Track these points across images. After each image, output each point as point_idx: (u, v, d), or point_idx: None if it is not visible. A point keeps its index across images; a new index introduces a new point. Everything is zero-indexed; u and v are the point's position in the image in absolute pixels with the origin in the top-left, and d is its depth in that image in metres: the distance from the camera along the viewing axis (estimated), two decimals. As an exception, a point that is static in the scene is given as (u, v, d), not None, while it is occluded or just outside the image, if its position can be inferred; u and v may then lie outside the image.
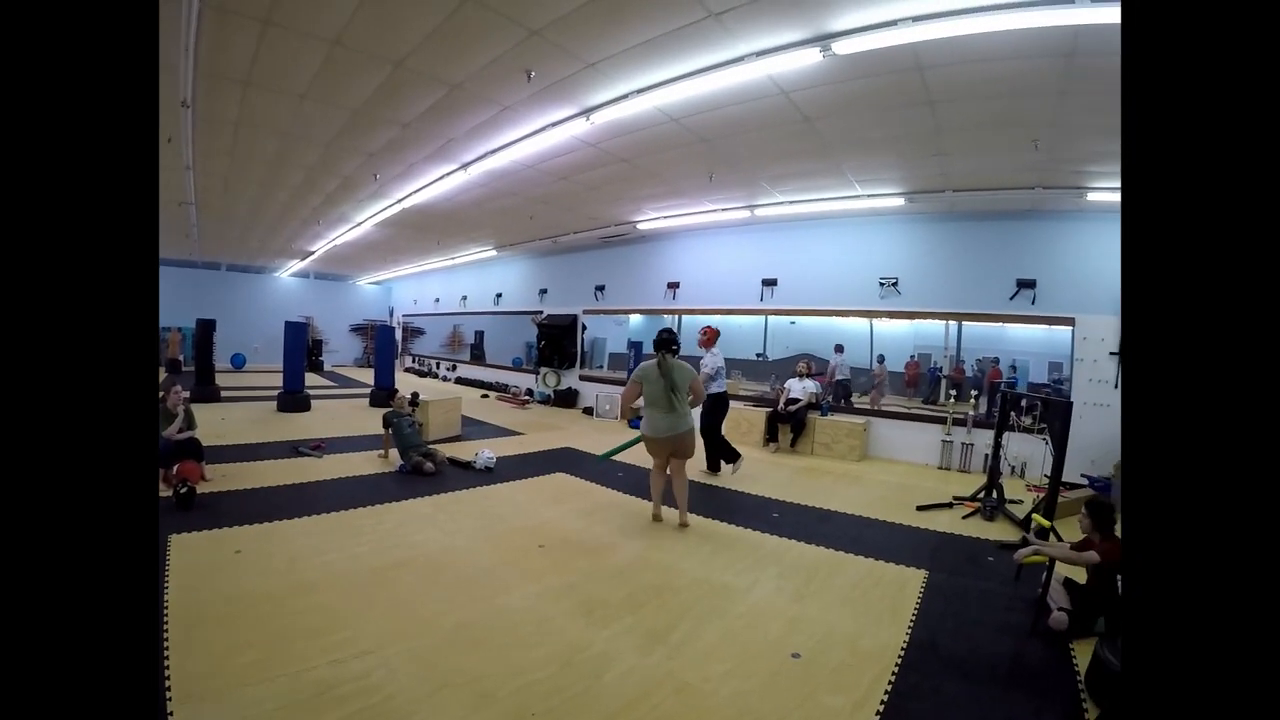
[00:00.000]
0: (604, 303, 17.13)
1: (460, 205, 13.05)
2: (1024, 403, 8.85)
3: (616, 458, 8.71)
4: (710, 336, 9.29)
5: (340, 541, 5.49)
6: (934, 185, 9.63)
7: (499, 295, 21.72)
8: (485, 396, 19.17)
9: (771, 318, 14.04)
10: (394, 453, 8.65)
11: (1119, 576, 4.45)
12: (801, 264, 12.85)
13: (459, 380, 23.43)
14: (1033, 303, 10.17)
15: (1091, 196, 8.96)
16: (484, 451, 8.84)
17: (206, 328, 15.18)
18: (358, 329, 30.95)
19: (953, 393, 11.31)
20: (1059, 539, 5.88)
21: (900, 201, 10.36)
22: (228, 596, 4.22)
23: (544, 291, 19.30)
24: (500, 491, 7.60)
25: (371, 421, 9.99)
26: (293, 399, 13.85)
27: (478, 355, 24.31)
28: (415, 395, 10.84)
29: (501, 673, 3.43)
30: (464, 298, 24.01)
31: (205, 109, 7.84)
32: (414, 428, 8.94)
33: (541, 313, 18.96)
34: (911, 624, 4.39)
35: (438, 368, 26.30)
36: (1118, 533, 4.62)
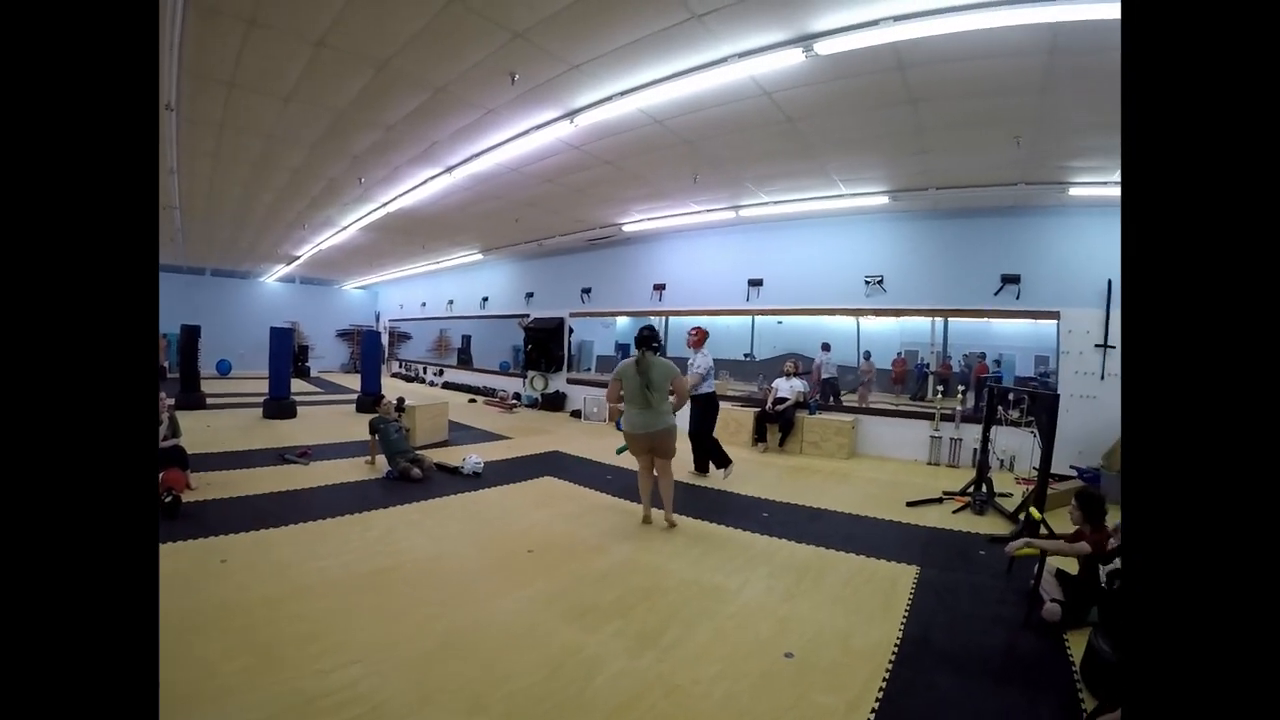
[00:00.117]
0: (590, 305, 17.10)
1: (445, 209, 13.01)
2: (1011, 396, 8.88)
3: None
4: (700, 337, 9.28)
5: (327, 549, 5.45)
6: (917, 183, 9.66)
7: (485, 299, 21.66)
8: (473, 401, 19.12)
9: (759, 318, 14.07)
10: (381, 459, 8.61)
11: (1101, 566, 4.49)
12: (787, 264, 12.87)
13: (446, 385, 23.33)
14: (1017, 297, 10.23)
15: (1074, 191, 9.02)
16: (471, 456, 8.79)
17: (191, 334, 15.09)
18: (344, 334, 30.82)
19: (940, 388, 11.34)
20: (1049, 531, 5.91)
21: (884, 200, 10.39)
22: (214, 606, 4.17)
23: (530, 295, 19.26)
24: (488, 496, 7.57)
25: (358, 427, 9.96)
26: (279, 406, 13.74)
27: (464, 359, 24.29)
28: (401, 400, 10.79)
29: (491, 679, 3.40)
30: (450, 302, 23.93)
31: (189, 110, 7.79)
32: (400, 433, 8.89)
33: (528, 316, 18.93)
34: (904, 620, 4.39)
35: (424, 372, 26.21)
36: (1108, 523, 4.65)
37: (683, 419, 8.36)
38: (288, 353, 15.07)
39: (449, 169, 10.05)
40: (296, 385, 17.24)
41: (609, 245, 16.07)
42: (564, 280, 17.80)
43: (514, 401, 18.18)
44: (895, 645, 4.00)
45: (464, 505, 7.15)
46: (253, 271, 26.64)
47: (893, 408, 12.41)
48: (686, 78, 6.35)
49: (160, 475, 6.47)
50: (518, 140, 8.49)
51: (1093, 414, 9.21)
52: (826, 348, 13.18)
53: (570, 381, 17.54)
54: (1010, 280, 10.25)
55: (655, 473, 6.50)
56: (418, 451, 8.86)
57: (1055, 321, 10.01)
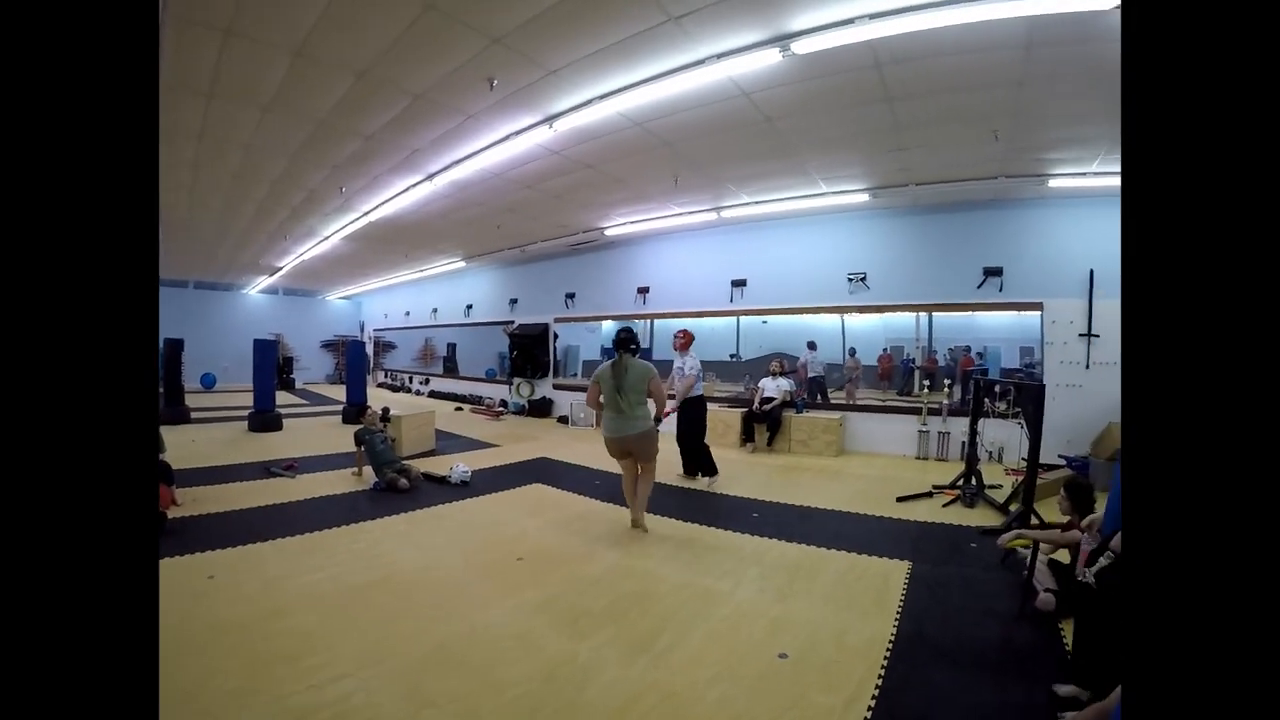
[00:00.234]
0: (575, 310, 17.08)
1: (427, 216, 12.98)
2: (997, 388, 8.90)
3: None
4: (686, 340, 9.17)
5: (316, 563, 5.41)
6: (897, 180, 9.70)
7: (469, 306, 21.61)
8: (459, 409, 19.06)
9: (744, 318, 14.08)
10: (368, 470, 8.54)
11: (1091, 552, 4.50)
12: (770, 263, 12.90)
13: (432, 394, 23.27)
14: (1000, 290, 10.30)
15: (1053, 183, 9.10)
16: (459, 465, 8.75)
17: (174, 347, 15.00)
18: (329, 345, 30.64)
19: (926, 383, 11.36)
20: (1040, 521, 5.93)
21: (865, 197, 10.43)
22: (203, 623, 4.13)
23: (514, 301, 19.22)
24: (477, 505, 7.53)
25: (345, 439, 9.90)
26: (264, 418, 13.66)
27: (450, 368, 24.22)
28: (386, 410, 10.72)
29: (483, 690, 3.38)
30: (434, 310, 23.86)
31: (168, 121, 7.70)
32: (386, 444, 8.84)
33: (513, 322, 18.89)
34: (898, 616, 4.39)
35: (410, 382, 26.11)
36: (1097, 511, 4.66)
37: (674, 422, 8.39)
38: (272, 365, 14.98)
39: (430, 176, 10.03)
40: (282, 397, 17.22)
41: (592, 249, 16.05)
42: (548, 286, 17.77)
43: (501, 409, 18.14)
44: (890, 641, 3.99)
45: (452, 515, 7.11)
46: (236, 284, 26.48)
47: (880, 403, 12.45)
48: (665, 80, 6.35)
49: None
50: (498, 146, 8.47)
51: (1079, 402, 9.26)
52: (813, 346, 13.21)
53: (556, 387, 17.50)
54: (992, 273, 10.31)
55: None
56: (405, 462, 8.83)
57: (1039, 312, 10.07)
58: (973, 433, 7.94)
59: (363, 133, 8.30)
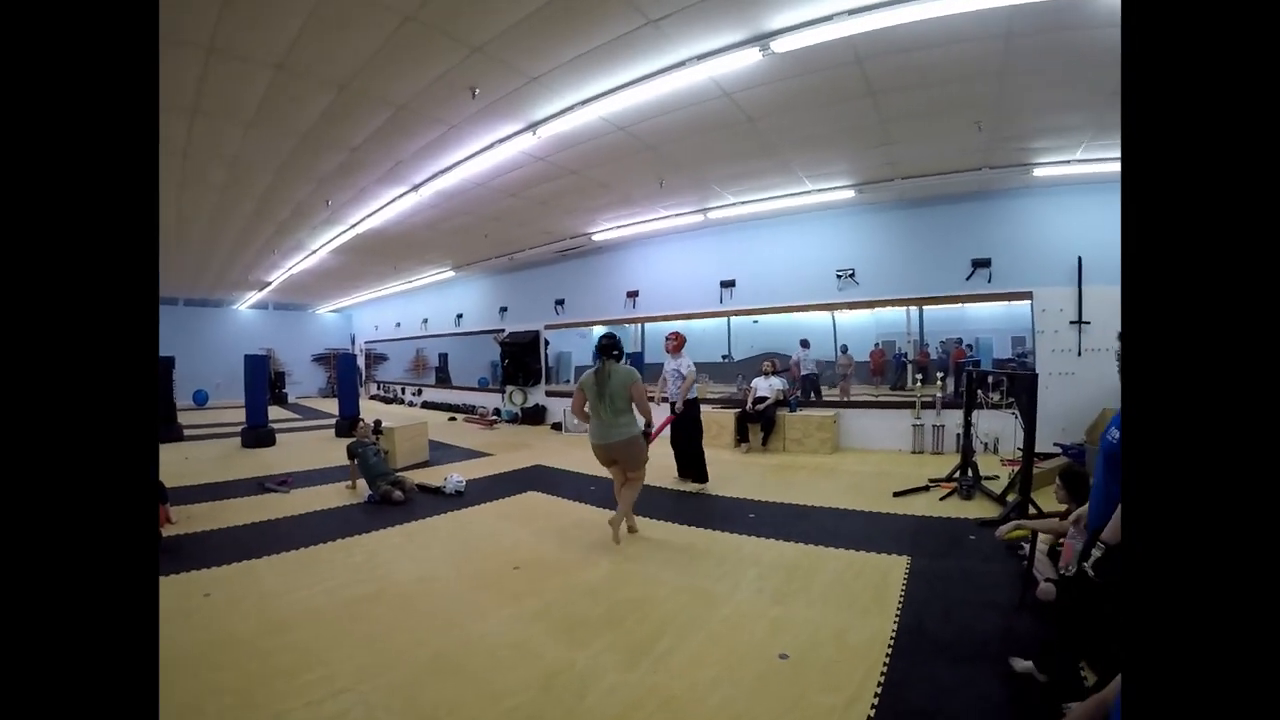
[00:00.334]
0: (565, 316, 17.10)
1: (414, 227, 12.96)
2: (990, 379, 8.91)
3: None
4: (678, 343, 9.16)
5: (311, 577, 5.38)
6: (882, 175, 9.73)
7: (460, 316, 21.60)
8: (452, 419, 19.05)
9: (735, 319, 14.08)
10: (362, 483, 8.51)
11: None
12: (758, 263, 12.92)
13: (425, 404, 23.24)
14: (989, 281, 10.34)
15: (1038, 172, 9.15)
16: (453, 476, 8.73)
17: (165, 365, 15.00)
18: (320, 359, 30.60)
19: (919, 377, 11.37)
20: (1038, 510, 5.93)
21: (850, 193, 10.46)
22: (199, 641, 4.11)
23: (504, 309, 19.22)
24: (472, 515, 7.51)
25: (338, 452, 9.88)
26: (257, 434, 13.66)
27: (443, 378, 24.18)
28: (378, 423, 10.66)
29: (483, 699, 3.36)
30: (425, 321, 23.84)
31: (153, 139, 7.66)
32: (379, 456, 8.80)
33: (503, 331, 18.88)
34: (898, 612, 4.38)
35: (403, 393, 26.07)
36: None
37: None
38: (263, 380, 14.99)
39: (415, 187, 10.01)
40: (275, 412, 17.18)
41: (580, 255, 16.06)
42: (537, 293, 17.79)
43: (494, 417, 18.10)
44: (891, 638, 3.98)
45: (448, 525, 7.09)
46: (225, 300, 26.41)
47: (873, 399, 12.44)
48: (646, 83, 6.36)
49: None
50: (482, 155, 8.46)
51: (1073, 390, 9.28)
52: (805, 344, 13.20)
53: (549, 394, 17.50)
54: (981, 264, 10.33)
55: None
56: (398, 473, 8.79)
57: (1028, 302, 10.10)
58: (967, 425, 7.94)
59: (347, 145, 8.28)
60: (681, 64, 6.01)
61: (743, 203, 11.30)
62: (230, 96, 6.73)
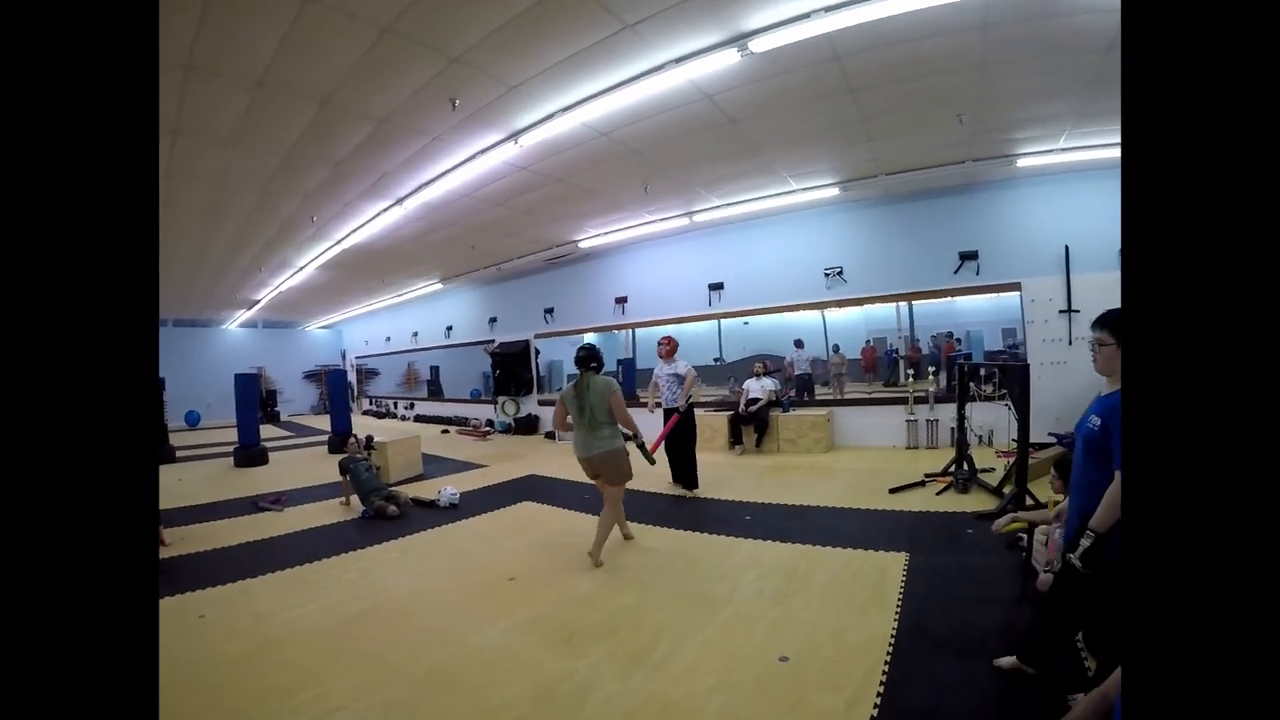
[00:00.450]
0: (554, 325, 17.06)
1: (400, 240, 12.91)
2: (982, 372, 8.90)
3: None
4: (671, 347, 9.13)
5: (306, 595, 5.36)
6: (866, 171, 9.72)
7: (449, 328, 21.55)
8: (446, 431, 19.00)
9: (725, 321, 14.06)
10: (356, 499, 8.50)
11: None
12: (746, 264, 12.92)
13: (418, 418, 23.16)
14: (977, 273, 10.36)
15: (1021, 163, 9.14)
16: (447, 489, 8.71)
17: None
18: (311, 376, 30.48)
19: (910, 372, 11.37)
20: (1035, 501, 5.92)
21: (835, 191, 10.46)
22: (194, 663, 4.09)
23: (494, 320, 19.19)
24: (466, 527, 7.49)
25: (331, 469, 9.81)
26: (249, 453, 13.62)
27: (435, 391, 24.09)
28: (369, 438, 10.63)
29: (479, 715, 3.35)
30: (415, 334, 23.78)
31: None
32: (371, 472, 8.79)
33: (493, 341, 18.85)
34: (898, 610, 4.36)
35: (396, 407, 25.99)
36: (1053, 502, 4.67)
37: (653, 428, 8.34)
38: (254, 399, 14.96)
39: (400, 200, 9.98)
40: (267, 431, 17.23)
41: (568, 263, 16.05)
42: (526, 302, 17.78)
43: (487, 429, 18.09)
44: (891, 637, 3.96)
45: (442, 538, 7.07)
46: (214, 319, 26.28)
47: (866, 396, 12.45)
48: (626, 88, 6.34)
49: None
50: (465, 166, 8.45)
51: (1065, 379, 9.28)
52: (800, 344, 13.22)
53: (541, 403, 17.43)
54: (968, 257, 10.34)
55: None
56: (392, 488, 8.76)
57: (1017, 293, 10.11)
58: (960, 418, 7.94)
59: (330, 160, 8.24)
60: (660, 67, 5.99)
61: (728, 205, 11.29)
62: (210, 115, 6.69)
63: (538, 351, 17.74)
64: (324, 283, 17.83)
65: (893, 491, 7.66)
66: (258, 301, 21.10)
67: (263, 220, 11.12)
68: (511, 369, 17.73)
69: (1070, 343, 9.55)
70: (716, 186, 10.33)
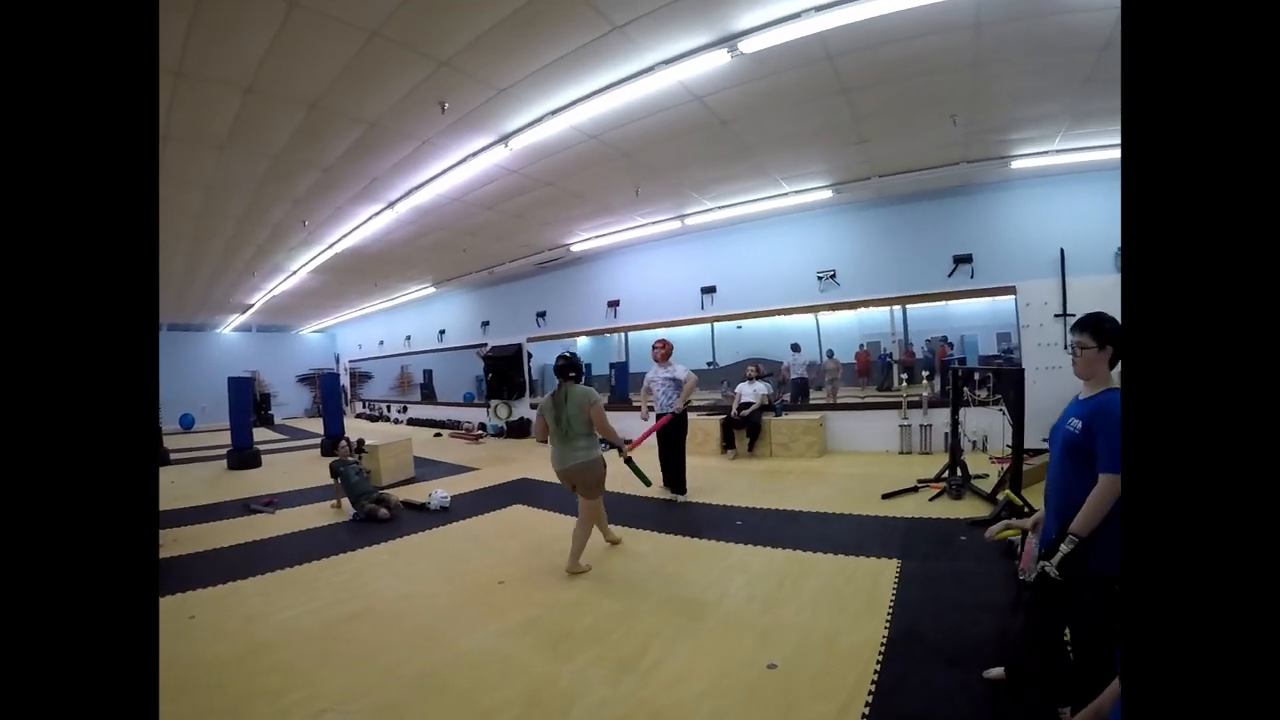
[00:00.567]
0: (547, 329, 17.06)
1: (392, 244, 12.92)
2: (976, 376, 8.88)
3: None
4: (666, 350, 9.05)
5: (296, 597, 5.36)
6: (859, 173, 9.70)
7: (442, 332, 21.59)
8: (438, 435, 18.98)
9: (718, 325, 14.02)
10: (347, 502, 8.48)
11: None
12: (738, 267, 12.92)
13: (411, 421, 23.13)
14: (971, 276, 10.33)
15: (1016, 164, 9.13)
16: (437, 492, 8.70)
17: (150, 389, 14.86)
18: (305, 379, 30.49)
19: (904, 376, 11.35)
20: (1030, 508, 5.89)
21: (828, 194, 10.44)
22: (184, 664, 4.08)
23: (486, 324, 19.23)
24: (457, 530, 7.47)
25: (324, 472, 9.79)
26: (242, 456, 13.68)
27: (428, 394, 24.13)
28: (360, 441, 10.64)
29: (468, 718, 3.34)
30: (408, 338, 23.79)
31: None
32: (361, 475, 8.78)
33: (486, 345, 18.88)
34: (889, 617, 4.32)
35: (389, 410, 25.99)
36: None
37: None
38: (247, 402, 15.01)
39: (391, 204, 9.98)
40: (261, 434, 17.26)
41: (559, 267, 16.07)
42: (518, 306, 17.81)
43: (480, 432, 18.05)
44: (882, 644, 3.93)
45: (433, 541, 7.06)
46: (209, 324, 26.32)
47: (859, 401, 12.43)
48: (616, 90, 6.32)
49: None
50: (455, 169, 8.45)
51: (1060, 384, 9.18)
52: (796, 348, 13.19)
53: (534, 407, 17.25)
54: (962, 260, 10.32)
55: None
56: (383, 491, 8.77)
57: (1012, 296, 10.08)
58: (954, 423, 7.91)
59: (320, 165, 8.24)
60: (650, 69, 5.97)
61: (720, 207, 11.29)
62: (200, 121, 6.70)
63: (530, 355, 17.75)
64: (317, 287, 17.86)
65: (886, 497, 7.62)
66: (251, 305, 21.11)
67: (255, 225, 11.12)
68: (504, 372, 17.77)
69: (1066, 347, 9.50)
70: (708, 189, 10.31)
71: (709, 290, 13.29)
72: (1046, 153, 8.77)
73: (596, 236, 13.34)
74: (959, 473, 7.64)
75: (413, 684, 3.76)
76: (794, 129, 7.80)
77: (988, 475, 7.84)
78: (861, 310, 12.15)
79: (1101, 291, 8.48)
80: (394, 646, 4.31)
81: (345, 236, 11.99)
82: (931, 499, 7.39)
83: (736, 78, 6.24)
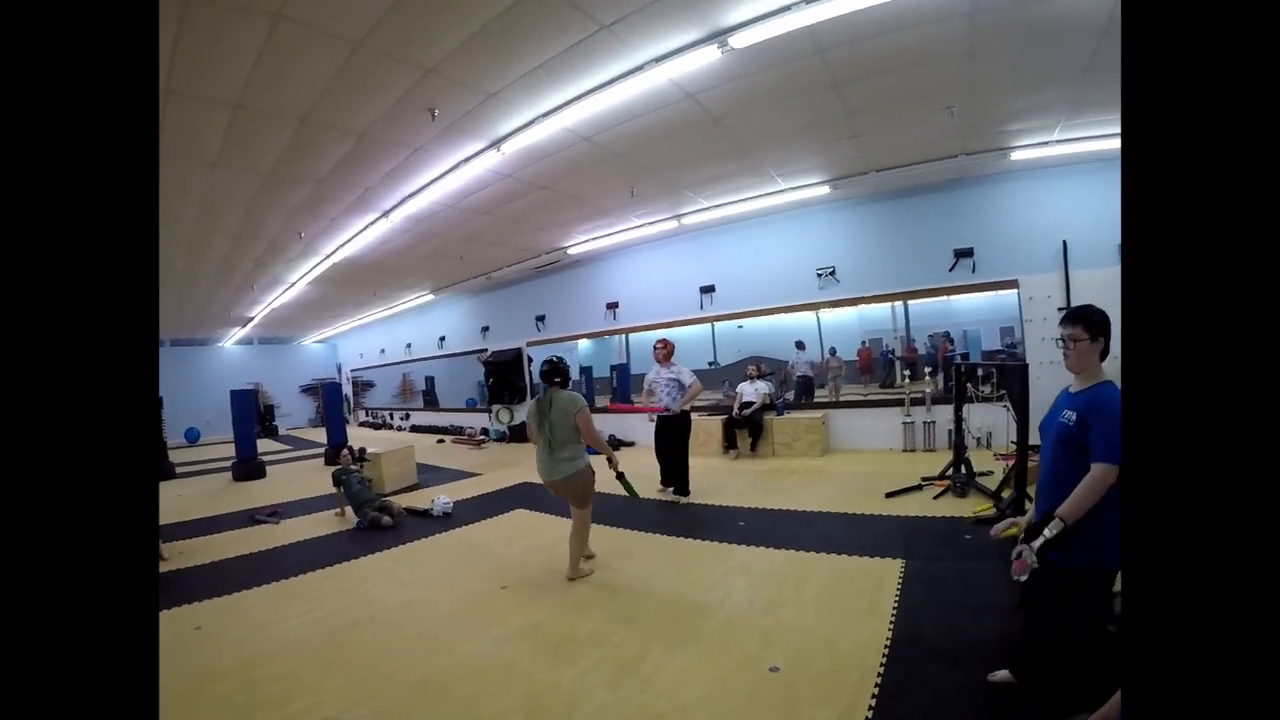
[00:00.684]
0: (546, 333, 17.06)
1: (388, 253, 12.93)
2: (979, 372, 8.82)
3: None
4: (668, 350, 9.01)
5: (300, 607, 5.36)
6: (855, 168, 9.64)
7: (442, 338, 21.60)
8: (441, 441, 19.00)
9: (719, 324, 14.02)
10: (350, 510, 8.51)
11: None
12: (736, 266, 12.87)
13: (414, 428, 23.20)
14: (973, 271, 10.24)
15: (1015, 156, 9.07)
16: (440, 498, 8.68)
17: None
18: (308, 389, 30.60)
19: (906, 373, 11.31)
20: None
21: (825, 190, 10.40)
22: (189, 675, 4.10)
23: (486, 329, 19.25)
24: (460, 536, 7.47)
25: (328, 481, 9.76)
26: (247, 467, 13.69)
27: (430, 401, 24.26)
28: (362, 450, 10.63)
29: (469, 724, 3.30)
30: (408, 345, 23.82)
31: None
32: (363, 483, 8.80)
33: (486, 350, 18.91)
34: (893, 618, 4.28)
35: (392, 418, 26.04)
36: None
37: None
38: (250, 414, 15.09)
39: (385, 213, 9.97)
40: (265, 444, 17.46)
41: (557, 270, 16.07)
42: (517, 311, 17.82)
43: (482, 437, 18.09)
44: (885, 646, 3.88)
45: (435, 547, 7.06)
46: (210, 338, 26.50)
47: (861, 398, 12.38)
48: (606, 90, 6.28)
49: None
50: (448, 176, 8.44)
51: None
52: (801, 346, 13.17)
53: (534, 411, 17.30)
54: (963, 254, 10.25)
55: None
56: (385, 498, 8.76)
57: (1015, 290, 10.02)
58: (958, 420, 7.87)
59: (313, 177, 8.25)
60: (640, 68, 5.93)
61: (716, 206, 11.25)
62: (191, 138, 6.71)
63: (530, 359, 17.72)
64: (316, 298, 17.92)
65: (889, 496, 7.57)
66: (252, 318, 21.22)
67: (251, 238, 11.15)
68: (505, 377, 17.78)
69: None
70: (704, 188, 10.28)
71: (708, 290, 13.24)
72: (1047, 143, 8.70)
73: (593, 239, 13.32)
74: (963, 470, 7.61)
75: (414, 691, 3.76)
76: (787, 125, 7.76)
77: (992, 472, 7.79)
78: (863, 307, 12.10)
79: (1105, 284, 8.42)
80: (396, 654, 4.32)
81: (342, 247, 12.00)
82: (935, 497, 7.34)
83: (728, 74, 6.20)
